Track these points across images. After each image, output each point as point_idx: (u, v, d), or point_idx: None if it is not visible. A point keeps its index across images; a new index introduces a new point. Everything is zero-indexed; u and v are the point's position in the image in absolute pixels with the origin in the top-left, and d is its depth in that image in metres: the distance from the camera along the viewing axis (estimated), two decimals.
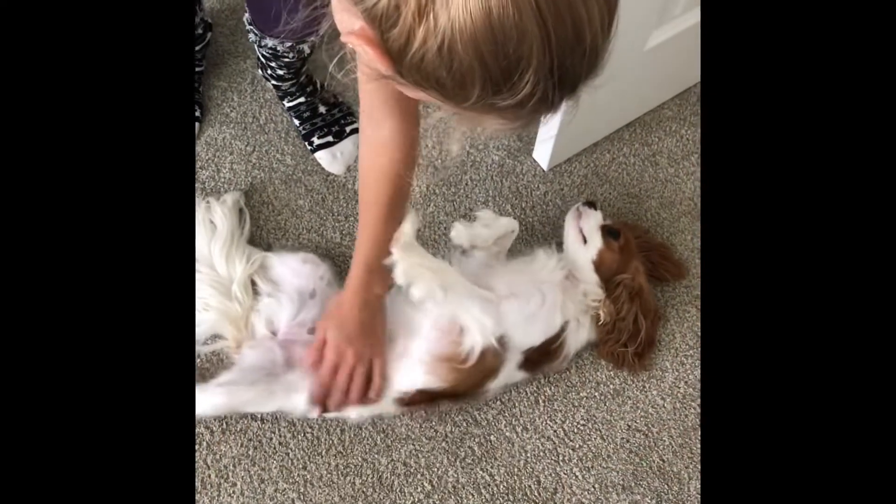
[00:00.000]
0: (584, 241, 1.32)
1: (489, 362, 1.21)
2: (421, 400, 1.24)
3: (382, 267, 1.11)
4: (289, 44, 1.27)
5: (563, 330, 1.25)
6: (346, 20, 0.65)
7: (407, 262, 1.09)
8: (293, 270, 1.30)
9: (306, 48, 1.32)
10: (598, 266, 1.30)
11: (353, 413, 1.23)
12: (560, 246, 1.36)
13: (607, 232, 1.31)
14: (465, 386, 1.23)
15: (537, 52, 0.55)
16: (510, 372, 1.24)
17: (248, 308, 1.28)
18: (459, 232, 1.30)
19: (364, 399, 1.21)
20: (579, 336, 1.29)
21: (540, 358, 1.25)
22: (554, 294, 1.24)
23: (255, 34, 1.27)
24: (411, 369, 1.21)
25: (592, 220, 1.33)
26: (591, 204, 1.35)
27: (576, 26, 0.55)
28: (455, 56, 0.55)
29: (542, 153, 1.48)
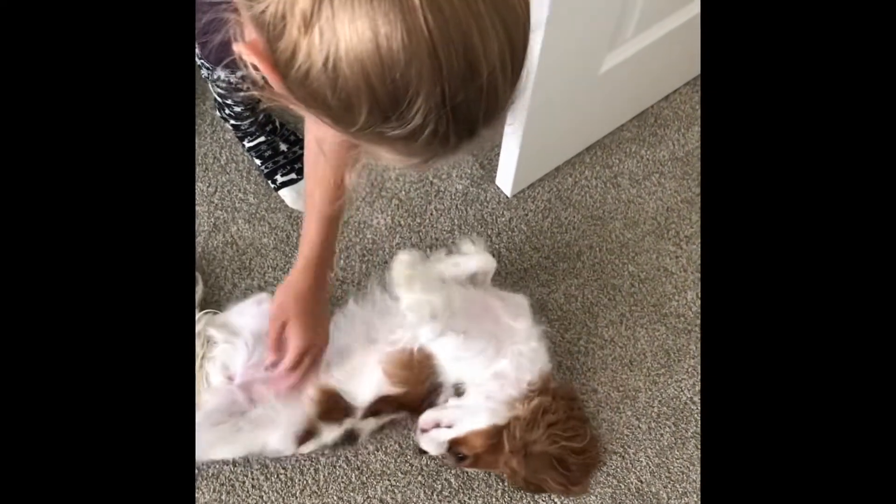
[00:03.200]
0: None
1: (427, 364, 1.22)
2: (383, 408, 1.25)
3: (327, 251, 1.11)
4: (240, 73, 1.27)
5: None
6: (248, 33, 0.63)
7: (410, 297, 1.13)
8: (249, 315, 1.28)
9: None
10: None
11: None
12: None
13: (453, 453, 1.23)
14: (415, 388, 1.23)
15: (427, 79, 0.53)
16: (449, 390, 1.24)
17: (198, 366, 1.26)
18: (402, 266, 1.24)
19: (291, 377, 1.17)
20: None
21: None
22: (491, 355, 1.21)
23: (207, 68, 1.27)
24: (371, 375, 1.21)
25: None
26: (420, 452, 1.26)
27: (469, 56, 0.53)
28: (340, 75, 0.53)
29: (505, 179, 1.49)
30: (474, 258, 1.31)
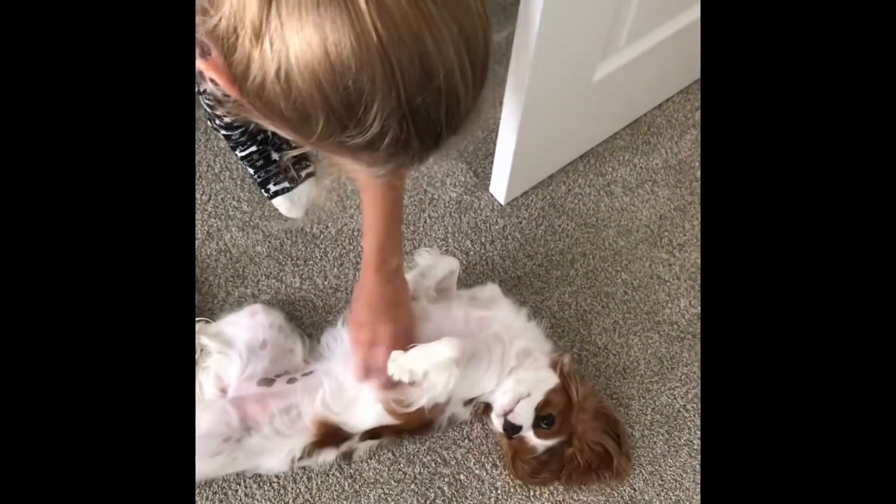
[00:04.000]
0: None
1: (434, 408, 1.21)
2: (384, 433, 1.25)
3: (393, 238, 1.12)
4: None
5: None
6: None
7: (435, 377, 1.12)
8: (242, 326, 1.27)
9: None
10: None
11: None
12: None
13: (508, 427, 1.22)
14: (416, 422, 1.23)
15: (380, 84, 0.53)
16: (457, 409, 1.25)
17: None
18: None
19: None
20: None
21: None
22: (498, 354, 1.22)
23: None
24: (370, 408, 1.21)
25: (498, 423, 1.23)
26: (513, 429, 1.21)
27: (423, 59, 0.53)
28: (293, 84, 0.53)
29: (499, 187, 1.49)
30: (439, 264, 1.31)
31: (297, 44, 0.52)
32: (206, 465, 1.18)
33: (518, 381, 1.20)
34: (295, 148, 1.49)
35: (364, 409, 1.21)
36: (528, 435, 1.21)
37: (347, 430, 1.22)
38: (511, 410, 1.19)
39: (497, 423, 1.21)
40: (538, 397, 1.20)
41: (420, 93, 0.54)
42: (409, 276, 1.26)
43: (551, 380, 1.22)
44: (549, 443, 1.21)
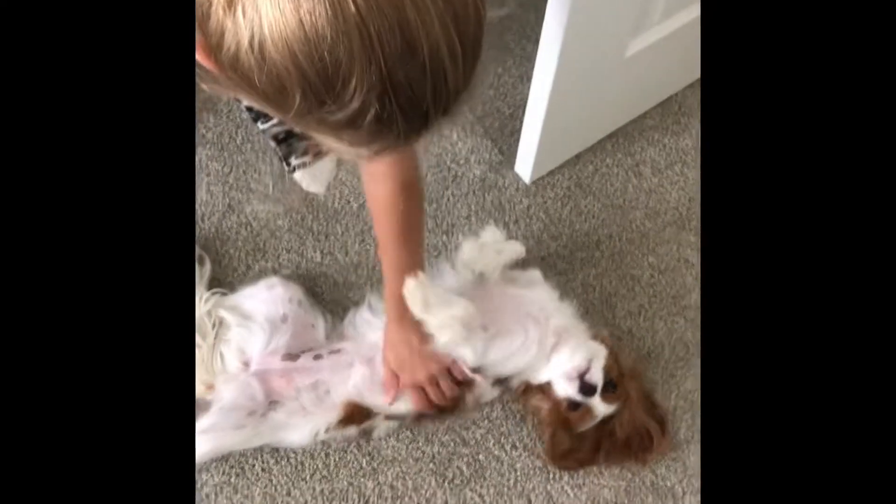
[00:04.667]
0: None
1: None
2: (420, 417, 1.24)
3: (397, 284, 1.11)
4: None
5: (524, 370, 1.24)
6: None
7: (434, 319, 1.11)
8: (260, 299, 1.27)
9: None
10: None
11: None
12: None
13: (569, 403, 1.20)
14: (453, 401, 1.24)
15: (359, 57, 0.50)
16: (486, 388, 1.24)
17: (211, 346, 1.24)
18: (471, 256, 1.28)
19: (460, 391, 1.22)
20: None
21: (505, 381, 1.25)
22: (535, 334, 1.21)
23: None
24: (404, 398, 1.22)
25: (567, 389, 1.20)
26: (588, 391, 1.19)
27: (404, 32, 0.50)
28: (266, 56, 0.51)
29: (524, 166, 1.46)
30: (512, 245, 1.31)
31: (269, 12, 0.50)
32: (229, 438, 1.18)
33: (576, 348, 1.20)
34: None
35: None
36: (593, 401, 1.19)
37: (377, 412, 1.22)
38: (588, 370, 1.18)
39: (569, 387, 1.18)
40: (602, 361, 1.20)
41: (402, 67, 0.52)
42: (469, 245, 1.28)
43: (602, 350, 1.22)
44: (611, 408, 1.20)
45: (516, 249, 1.31)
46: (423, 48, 0.52)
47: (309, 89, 0.53)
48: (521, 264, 1.32)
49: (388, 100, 0.53)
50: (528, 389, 1.24)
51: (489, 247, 1.30)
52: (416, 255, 1.12)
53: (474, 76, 0.58)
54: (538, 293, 1.26)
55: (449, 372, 1.21)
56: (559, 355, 1.20)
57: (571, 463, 1.25)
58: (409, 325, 1.15)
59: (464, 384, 1.22)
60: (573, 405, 1.20)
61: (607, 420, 1.22)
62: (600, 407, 1.20)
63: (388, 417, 1.23)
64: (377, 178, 1.04)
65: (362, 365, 1.22)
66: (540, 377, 1.22)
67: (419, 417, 1.25)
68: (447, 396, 1.21)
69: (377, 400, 1.22)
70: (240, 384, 1.19)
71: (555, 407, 1.21)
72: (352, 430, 1.22)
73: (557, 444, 1.23)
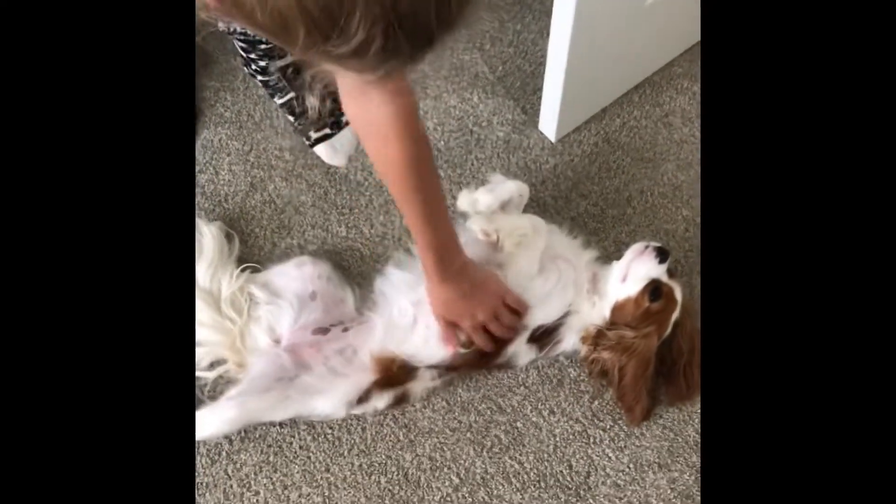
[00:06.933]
0: (625, 279, 1.22)
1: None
2: (460, 364, 1.23)
3: (449, 242, 1.12)
4: None
5: (565, 316, 1.22)
6: None
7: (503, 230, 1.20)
8: (290, 277, 1.26)
9: None
10: (616, 309, 1.21)
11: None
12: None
13: (651, 289, 1.19)
14: (481, 356, 1.23)
15: None
16: (521, 345, 1.23)
17: (243, 323, 1.24)
18: (463, 198, 1.29)
19: (518, 322, 1.22)
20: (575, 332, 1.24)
21: (543, 337, 1.23)
22: (568, 275, 1.21)
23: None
24: (430, 339, 1.21)
25: (644, 268, 1.20)
26: (663, 254, 1.21)
27: None
28: None
29: (549, 124, 1.42)
30: (509, 183, 1.29)
31: None
32: (255, 402, 1.18)
33: (629, 254, 1.23)
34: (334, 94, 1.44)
35: (423, 339, 1.21)
36: (672, 282, 1.20)
37: (414, 363, 1.21)
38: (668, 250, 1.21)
39: (648, 269, 1.20)
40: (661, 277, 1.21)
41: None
42: (476, 193, 1.28)
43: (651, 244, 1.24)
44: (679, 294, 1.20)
45: (510, 188, 1.29)
46: None
47: (313, 25, 0.53)
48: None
49: (392, 30, 0.53)
50: (593, 342, 1.21)
51: (482, 189, 1.30)
52: (441, 203, 1.10)
53: None
54: (554, 239, 1.26)
55: (504, 304, 1.20)
56: (619, 262, 1.23)
57: (636, 393, 1.21)
58: (453, 273, 1.14)
59: (519, 313, 1.21)
60: (655, 294, 1.18)
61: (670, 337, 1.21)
62: (678, 290, 1.20)
63: (429, 367, 1.22)
64: (373, 131, 1.00)
65: (381, 318, 1.23)
66: (593, 315, 1.22)
67: (457, 366, 1.23)
68: (508, 326, 1.20)
69: (403, 345, 1.21)
70: (271, 356, 1.20)
71: (636, 305, 1.19)
72: (385, 399, 1.21)
73: (636, 368, 1.19)
